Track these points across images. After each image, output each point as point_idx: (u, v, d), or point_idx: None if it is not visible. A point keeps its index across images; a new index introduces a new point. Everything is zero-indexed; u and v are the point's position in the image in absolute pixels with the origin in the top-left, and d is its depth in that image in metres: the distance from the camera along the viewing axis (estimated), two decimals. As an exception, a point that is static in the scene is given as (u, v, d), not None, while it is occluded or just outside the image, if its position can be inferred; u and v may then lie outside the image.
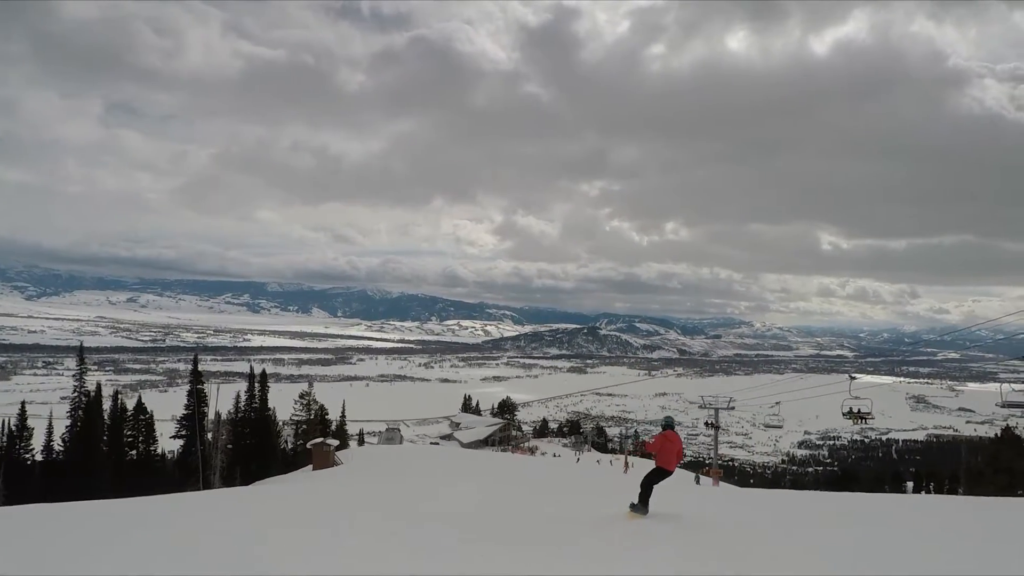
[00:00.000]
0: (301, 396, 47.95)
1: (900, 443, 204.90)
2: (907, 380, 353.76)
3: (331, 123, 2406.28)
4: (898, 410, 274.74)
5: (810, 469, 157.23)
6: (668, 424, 9.84)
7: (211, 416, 37.97)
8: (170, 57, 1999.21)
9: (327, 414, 52.91)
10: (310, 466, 31.40)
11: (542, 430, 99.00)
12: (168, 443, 44.45)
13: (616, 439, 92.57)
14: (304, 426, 46.21)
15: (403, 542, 7.79)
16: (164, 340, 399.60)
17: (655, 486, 9.20)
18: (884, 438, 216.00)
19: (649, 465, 10.15)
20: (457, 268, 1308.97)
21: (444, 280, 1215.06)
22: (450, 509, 10.96)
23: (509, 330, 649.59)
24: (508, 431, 77.97)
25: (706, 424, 38.50)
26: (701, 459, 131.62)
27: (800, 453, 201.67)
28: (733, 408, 37.68)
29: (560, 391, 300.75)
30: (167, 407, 58.32)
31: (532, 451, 63.38)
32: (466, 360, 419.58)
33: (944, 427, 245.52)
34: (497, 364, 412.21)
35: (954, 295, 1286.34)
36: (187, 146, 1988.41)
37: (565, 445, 77.54)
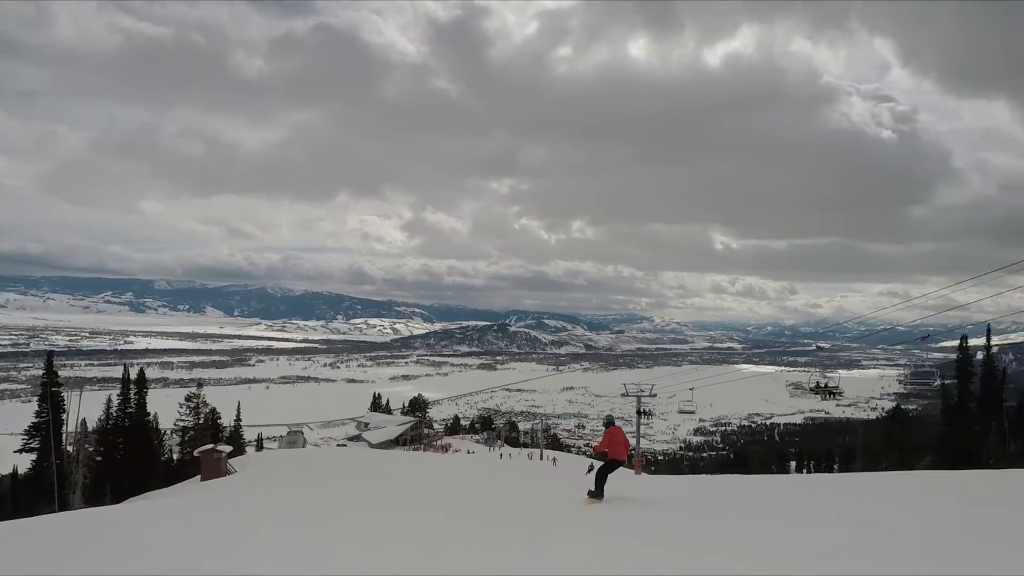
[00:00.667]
0: (188, 399, 43.29)
1: (782, 426, 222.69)
2: (787, 369, 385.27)
3: (225, 109, 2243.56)
4: (780, 396, 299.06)
5: (704, 454, 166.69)
6: (610, 421, 10.77)
7: (71, 426, 32.84)
8: (32, 26, 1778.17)
9: (219, 418, 48.28)
10: (199, 476, 28.09)
11: (454, 427, 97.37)
12: (19, 459, 38.15)
13: (527, 433, 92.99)
14: (192, 432, 41.71)
15: (304, 556, 6.39)
16: (28, 344, 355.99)
17: (609, 475, 10.03)
18: (768, 423, 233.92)
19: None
20: (364, 265, 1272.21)
21: (351, 277, 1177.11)
22: (358, 516, 9.51)
23: (419, 328, 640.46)
24: (419, 429, 75.74)
25: (639, 412, 39.12)
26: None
27: (696, 440, 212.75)
28: (655, 396, 38.74)
29: (470, 388, 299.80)
30: (28, 419, 50.91)
31: (445, 449, 61.79)
32: (374, 359, 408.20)
33: (818, 411, 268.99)
34: (407, 363, 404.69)
35: (826, 291, 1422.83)
36: (56, 127, 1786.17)
37: (478, 441, 76.61)
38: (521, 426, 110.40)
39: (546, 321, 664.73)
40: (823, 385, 32.65)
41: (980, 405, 39.23)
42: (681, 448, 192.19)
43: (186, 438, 42.28)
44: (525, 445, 74.96)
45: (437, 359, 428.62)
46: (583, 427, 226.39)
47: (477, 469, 24.50)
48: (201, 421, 43.14)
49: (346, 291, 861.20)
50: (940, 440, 39.75)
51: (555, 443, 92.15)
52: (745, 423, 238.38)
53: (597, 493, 9.88)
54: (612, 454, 9.97)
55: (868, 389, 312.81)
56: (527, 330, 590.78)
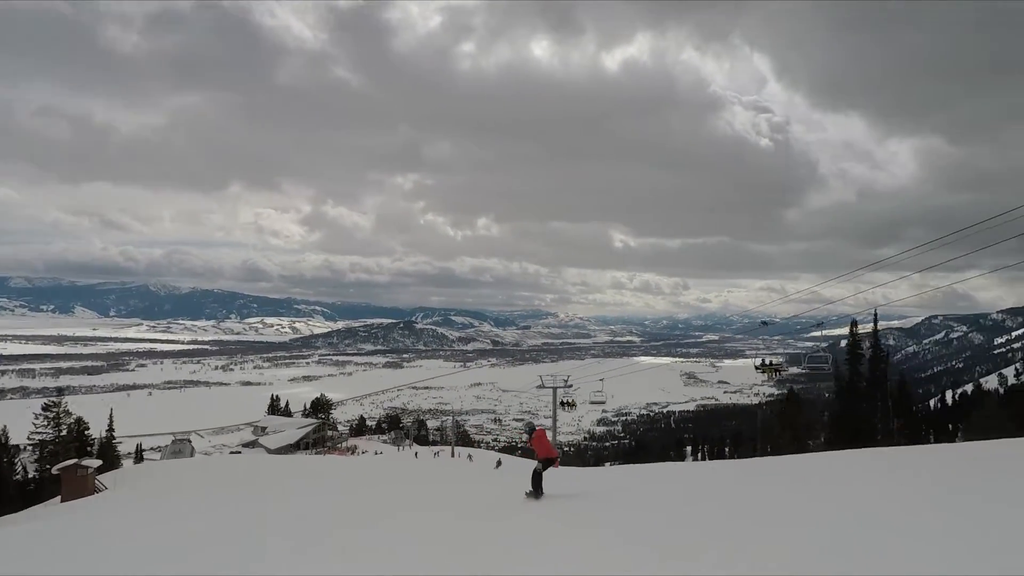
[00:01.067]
0: (45, 409, 37.90)
1: (677, 414, 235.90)
2: (681, 360, 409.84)
3: (96, 88, 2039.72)
4: (675, 386, 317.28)
5: (608, 444, 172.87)
6: (531, 428, 11.25)
7: None
8: None
9: (87, 429, 42.88)
10: (60, 496, 24.56)
11: (360, 428, 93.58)
12: None
13: (437, 432, 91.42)
14: (51, 446, 36.61)
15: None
16: None
17: (544, 473, 10.54)
18: (664, 411, 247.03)
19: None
20: (260, 261, 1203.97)
21: (245, 274, 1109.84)
22: (243, 540, 8.21)
23: (320, 327, 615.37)
24: (323, 432, 71.78)
25: (556, 405, 39.35)
26: (514, 444, 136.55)
27: (599, 430, 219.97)
28: (572, 387, 39.30)
29: (376, 387, 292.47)
30: None
31: (352, 451, 59.04)
32: (272, 360, 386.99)
33: (709, 398, 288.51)
34: (308, 363, 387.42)
35: (714, 287, 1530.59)
36: None
37: (385, 441, 74.19)
38: (430, 424, 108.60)
39: (453, 318, 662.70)
40: (768, 363, 34.64)
41: (869, 384, 42.47)
42: (586, 438, 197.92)
43: (44, 453, 37.07)
44: (434, 443, 73.69)
45: (341, 358, 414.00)
46: (499, 421, 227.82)
47: (389, 470, 22.93)
48: (63, 433, 38.03)
49: (240, 288, 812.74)
50: (834, 419, 42.72)
51: (466, 439, 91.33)
52: (644, 412, 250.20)
53: (535, 491, 10.40)
54: (542, 454, 10.51)
55: (752, 377, 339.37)
56: (434, 327, 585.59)
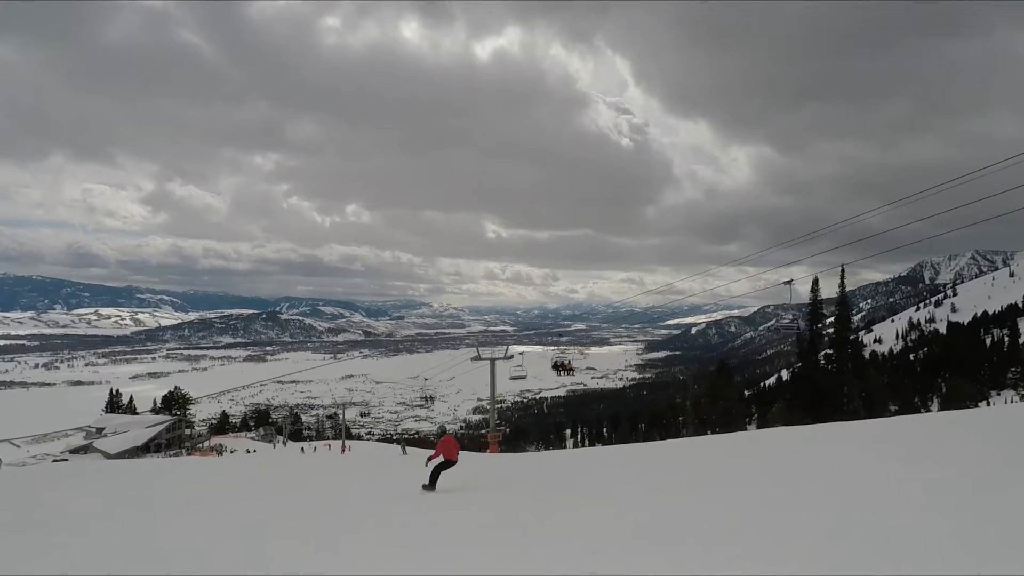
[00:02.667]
0: None
1: (549, 400, 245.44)
2: (552, 347, 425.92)
3: None
4: (547, 372, 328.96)
5: (483, 431, 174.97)
6: (442, 431, 12.23)
7: None
8: None
9: None
10: None
11: (221, 426, 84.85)
12: None
13: (312, 427, 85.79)
14: None
15: None
16: None
17: (442, 472, 11.20)
18: (537, 397, 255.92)
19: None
20: (92, 244, 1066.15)
21: (72, 259, 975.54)
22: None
23: (169, 318, 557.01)
24: (179, 430, 63.70)
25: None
26: (390, 436, 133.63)
27: (475, 418, 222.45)
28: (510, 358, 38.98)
29: (236, 383, 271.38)
30: None
31: (218, 451, 53.13)
32: (109, 356, 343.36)
33: (578, 383, 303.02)
34: (153, 358, 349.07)
35: (581, 278, 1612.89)
36: None
37: (254, 438, 68.26)
38: (304, 418, 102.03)
39: (322, 308, 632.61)
40: (562, 363, 36.96)
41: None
42: (463, 427, 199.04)
43: None
44: (309, 438, 69.34)
45: (194, 353, 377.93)
46: (367, 414, 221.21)
47: (302, 467, 20.20)
48: None
49: (66, 275, 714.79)
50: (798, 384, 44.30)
51: (346, 432, 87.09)
52: (518, 399, 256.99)
53: (430, 486, 11.08)
54: (446, 456, 11.22)
55: (616, 362, 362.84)
56: (301, 318, 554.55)
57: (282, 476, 15.31)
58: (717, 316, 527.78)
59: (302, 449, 44.61)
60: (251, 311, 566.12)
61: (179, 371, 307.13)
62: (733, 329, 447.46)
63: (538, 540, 5.53)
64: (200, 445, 60.22)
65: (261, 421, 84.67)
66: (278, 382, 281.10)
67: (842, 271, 40.67)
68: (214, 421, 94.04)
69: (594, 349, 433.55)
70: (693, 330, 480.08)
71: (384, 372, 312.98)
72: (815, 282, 42.62)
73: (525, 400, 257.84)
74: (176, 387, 79.82)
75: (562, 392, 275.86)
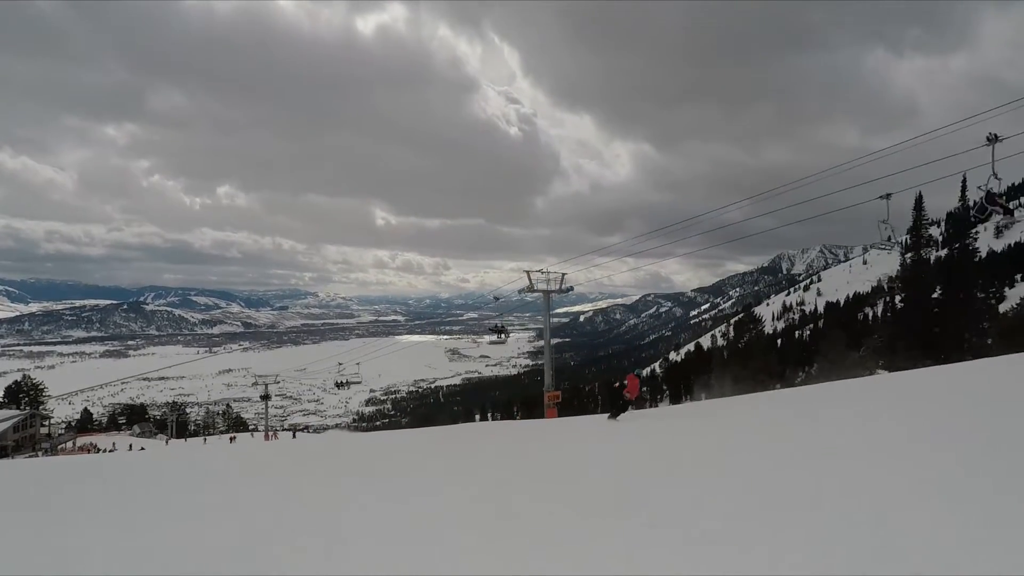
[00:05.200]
0: None
1: (445, 388, 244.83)
2: (445, 337, 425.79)
3: None
4: (441, 362, 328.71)
5: (378, 423, 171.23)
6: (633, 371, 15.06)
7: None
8: None
9: None
10: None
11: (84, 424, 74.40)
12: None
13: (199, 422, 78.23)
14: None
15: None
16: None
17: (628, 408, 14.37)
18: (432, 386, 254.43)
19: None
20: None
21: None
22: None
23: (4, 310, 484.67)
24: (32, 428, 54.05)
25: (336, 384, 36.89)
26: (277, 430, 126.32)
27: (368, 410, 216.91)
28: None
29: (91, 382, 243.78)
30: None
31: (91, 449, 46.35)
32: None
33: (472, 372, 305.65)
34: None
35: (472, 267, 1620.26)
36: None
37: (131, 435, 60.93)
38: (191, 414, 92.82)
39: (194, 298, 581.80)
40: (344, 382, 37.99)
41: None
42: (355, 420, 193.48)
43: None
44: (196, 434, 63.39)
45: (37, 348, 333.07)
46: (229, 407, 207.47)
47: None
48: None
49: None
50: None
51: (242, 424, 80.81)
52: (413, 389, 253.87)
53: (615, 416, 13.89)
54: (634, 394, 14.06)
55: (509, 350, 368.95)
56: (170, 309, 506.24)
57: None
58: (603, 304, 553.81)
59: (231, 439, 41.05)
60: (109, 301, 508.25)
61: (18, 369, 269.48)
62: (618, 316, 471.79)
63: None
64: (63, 446, 52.10)
65: (136, 418, 75.43)
66: (144, 379, 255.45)
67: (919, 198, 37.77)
68: (73, 420, 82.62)
69: (487, 337, 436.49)
70: (581, 318, 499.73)
71: (268, 365, 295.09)
72: (919, 199, 38.19)
73: (420, 389, 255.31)
74: (25, 375, 68.14)
75: (457, 380, 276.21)
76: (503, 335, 33.02)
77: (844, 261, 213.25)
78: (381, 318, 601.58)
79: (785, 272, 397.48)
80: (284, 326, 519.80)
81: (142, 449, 38.64)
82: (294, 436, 40.38)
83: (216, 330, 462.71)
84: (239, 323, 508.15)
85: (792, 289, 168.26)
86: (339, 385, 39.75)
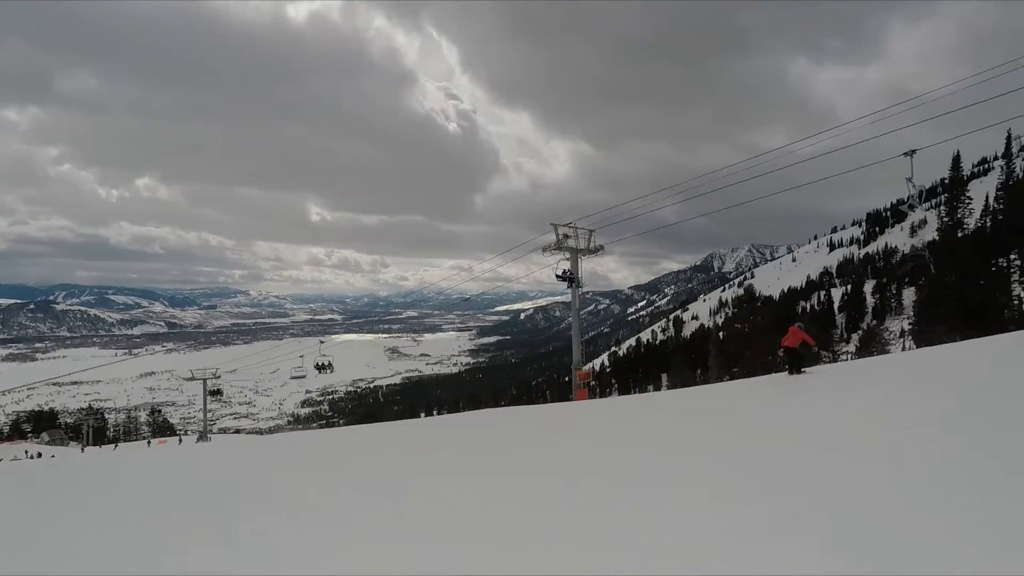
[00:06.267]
0: None
1: (385, 387, 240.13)
2: (384, 336, 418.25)
3: None
4: (379, 361, 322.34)
5: (314, 425, 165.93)
6: (796, 324, 14.05)
7: None
8: None
9: None
10: None
11: None
12: None
13: (118, 426, 72.18)
14: None
15: None
16: None
17: (796, 358, 13.85)
18: (372, 386, 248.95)
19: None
20: None
21: None
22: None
23: None
24: None
25: (317, 367, 35.59)
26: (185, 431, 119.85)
27: (304, 411, 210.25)
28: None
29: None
30: None
31: None
32: None
33: (413, 370, 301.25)
34: None
35: (411, 265, 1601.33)
36: None
37: (38, 442, 55.50)
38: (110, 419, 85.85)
39: (112, 297, 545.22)
40: (323, 364, 37.16)
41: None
42: (290, 422, 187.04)
43: None
44: (114, 440, 58.65)
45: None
46: (159, 412, 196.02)
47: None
48: None
49: None
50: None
51: (169, 428, 75.60)
52: (351, 389, 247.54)
53: (796, 371, 13.65)
54: (788, 343, 13.68)
55: (449, 348, 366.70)
56: (84, 308, 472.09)
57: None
58: (543, 302, 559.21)
59: (148, 443, 37.90)
60: (11, 301, 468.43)
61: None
62: (558, 314, 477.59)
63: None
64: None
65: (46, 424, 68.63)
66: (54, 384, 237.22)
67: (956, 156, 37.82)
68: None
69: (427, 336, 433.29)
70: (522, 315, 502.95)
71: (195, 367, 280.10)
72: (956, 158, 38.65)
73: (359, 389, 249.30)
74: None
75: (397, 379, 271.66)
76: (327, 370, 35.20)
77: (772, 260, 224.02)
78: (317, 317, 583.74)
79: (717, 270, 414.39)
80: (212, 326, 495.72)
81: (52, 456, 35.26)
82: (180, 442, 36.69)
83: (137, 331, 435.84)
84: (163, 323, 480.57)
85: (727, 285, 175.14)
86: (319, 368, 37.70)
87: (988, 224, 39.37)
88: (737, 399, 11.34)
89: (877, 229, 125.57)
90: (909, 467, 4.22)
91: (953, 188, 38.78)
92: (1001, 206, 39.12)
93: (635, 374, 62.53)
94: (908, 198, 17.06)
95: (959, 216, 37.81)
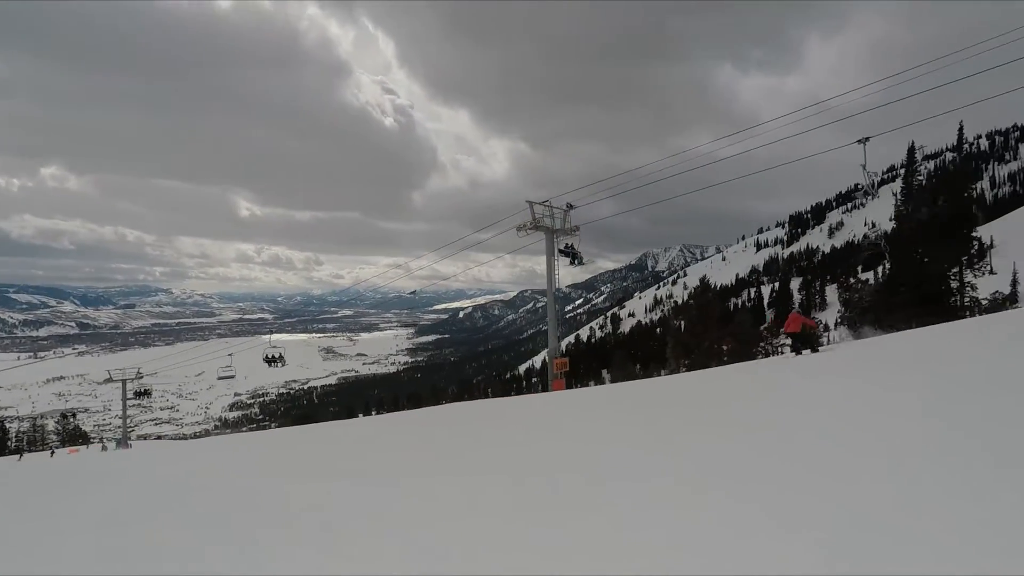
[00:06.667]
0: None
1: (319, 388, 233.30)
2: (318, 335, 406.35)
3: None
4: (313, 361, 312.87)
5: (244, 429, 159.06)
6: (794, 310, 16.00)
7: None
8: None
9: None
10: None
11: None
12: None
13: (25, 433, 66.13)
14: None
15: None
16: None
17: (799, 340, 14.60)
18: (306, 387, 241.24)
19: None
20: None
21: None
22: None
23: None
24: None
25: (266, 360, 34.08)
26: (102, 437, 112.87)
27: (232, 415, 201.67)
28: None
29: None
30: None
31: None
32: None
33: (349, 370, 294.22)
34: None
35: (347, 263, 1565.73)
36: None
37: None
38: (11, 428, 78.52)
39: (13, 296, 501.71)
40: (274, 356, 36.48)
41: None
42: (217, 427, 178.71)
43: None
44: (18, 450, 53.91)
45: None
46: (66, 418, 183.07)
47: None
48: None
49: None
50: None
51: (81, 436, 70.18)
52: (283, 391, 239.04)
53: (798, 351, 14.28)
54: (789, 328, 14.43)
55: (387, 347, 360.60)
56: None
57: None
58: (481, 300, 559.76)
59: (51, 453, 35.03)
60: None
61: None
62: (496, 312, 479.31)
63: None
64: None
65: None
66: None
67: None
68: None
69: (363, 335, 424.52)
70: (460, 314, 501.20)
71: (111, 369, 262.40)
72: (911, 149, 39.55)
73: (291, 391, 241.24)
74: None
75: (333, 380, 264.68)
76: (279, 362, 34.78)
77: (703, 259, 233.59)
78: (246, 316, 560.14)
79: (651, 269, 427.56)
80: (130, 326, 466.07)
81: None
82: (52, 455, 34.56)
83: (43, 332, 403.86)
84: (73, 324, 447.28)
85: (661, 284, 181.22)
86: (269, 361, 35.61)
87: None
88: (720, 388, 10.90)
89: (799, 230, 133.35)
90: (906, 460, 4.32)
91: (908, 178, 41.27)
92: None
93: (576, 370, 63.62)
94: (866, 184, 18.00)
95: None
